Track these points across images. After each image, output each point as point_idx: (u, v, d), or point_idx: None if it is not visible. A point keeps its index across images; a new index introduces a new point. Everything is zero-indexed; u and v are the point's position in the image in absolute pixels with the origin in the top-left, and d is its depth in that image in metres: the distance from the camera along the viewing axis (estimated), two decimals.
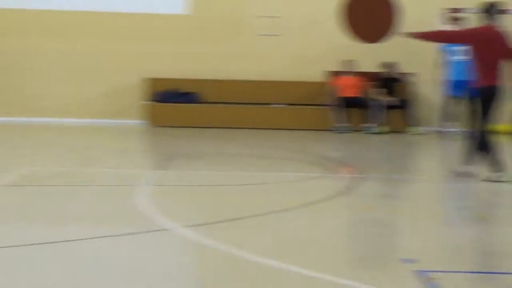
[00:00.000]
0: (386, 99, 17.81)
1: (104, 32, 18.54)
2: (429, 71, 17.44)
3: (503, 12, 10.88)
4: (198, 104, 18.29)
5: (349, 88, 17.97)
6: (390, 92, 17.98)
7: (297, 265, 6.21)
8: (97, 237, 7.15)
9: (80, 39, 18.40)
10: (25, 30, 18.26)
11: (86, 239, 7.13)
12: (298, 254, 6.74)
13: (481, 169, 10.64)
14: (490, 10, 10.54)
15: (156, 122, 18.00)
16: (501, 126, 14.47)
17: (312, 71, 18.44)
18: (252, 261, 6.40)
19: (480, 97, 10.45)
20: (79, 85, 18.46)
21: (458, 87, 15.70)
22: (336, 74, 18.22)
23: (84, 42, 18.43)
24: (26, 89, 18.34)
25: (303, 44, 18.69)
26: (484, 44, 10.42)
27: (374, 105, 17.74)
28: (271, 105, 18.25)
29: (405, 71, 18.09)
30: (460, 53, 14.74)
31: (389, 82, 18.02)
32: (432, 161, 14.30)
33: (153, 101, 18.21)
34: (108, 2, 18.47)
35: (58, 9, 18.26)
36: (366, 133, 17.46)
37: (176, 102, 18.12)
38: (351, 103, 17.83)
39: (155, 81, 18.40)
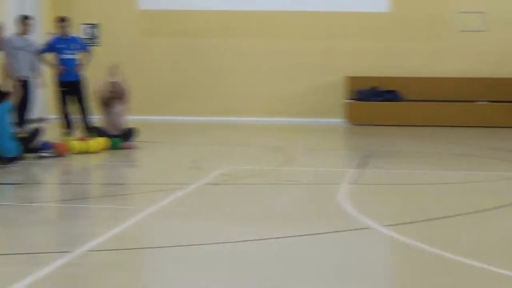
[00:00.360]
0: None
1: (306, 31, 18.58)
2: None
3: None
4: (398, 102, 17.97)
5: None
6: None
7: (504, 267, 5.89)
8: (299, 235, 7.09)
9: (282, 39, 18.52)
10: (229, 30, 18.57)
11: (287, 237, 7.08)
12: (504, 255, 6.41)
13: None
14: None
15: (355, 120, 17.84)
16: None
17: None
18: (458, 261, 6.15)
19: None
20: (280, 85, 18.59)
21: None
22: None
23: (286, 41, 18.54)
24: (228, 89, 18.65)
25: (510, 39, 17.96)
26: None
27: None
28: (476, 102, 17.64)
29: None
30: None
31: None
32: None
33: (353, 99, 18.06)
34: (312, 1, 18.48)
35: (262, 10, 18.44)
36: None
37: (377, 100, 17.89)
38: None
39: (355, 79, 18.24)
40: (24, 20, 13.87)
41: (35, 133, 11.89)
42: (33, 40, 14.13)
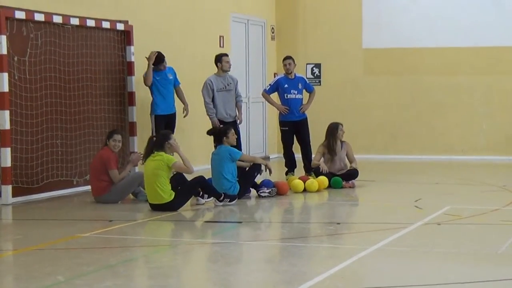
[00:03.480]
0: None
1: None
2: None
3: None
4: None
5: None
6: None
7: None
8: None
9: (508, 75, 17.91)
10: (452, 67, 18.19)
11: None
12: None
13: None
14: None
15: None
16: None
17: None
18: None
19: None
20: (505, 121, 17.94)
21: None
22: None
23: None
24: (451, 127, 18.23)
25: None
26: None
27: None
28: None
29: None
30: None
31: None
32: None
33: None
34: None
35: (488, 46, 17.92)
36: None
37: None
38: None
39: None
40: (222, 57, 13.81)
41: (254, 170, 12.09)
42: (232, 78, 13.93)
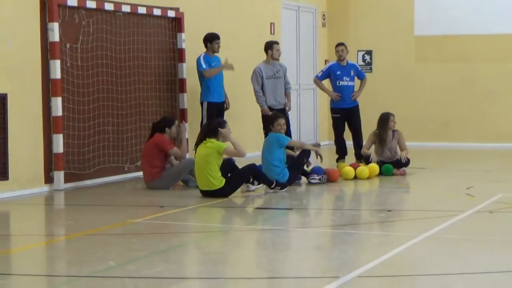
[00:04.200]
0: None
1: None
2: None
3: None
4: None
5: None
6: None
7: None
8: None
9: None
10: (505, 54, 17.94)
11: None
12: None
13: None
14: None
15: None
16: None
17: None
18: None
19: None
20: None
21: None
22: None
23: None
24: (503, 114, 17.99)
25: None
26: None
27: None
28: None
29: None
30: None
31: None
32: None
33: None
34: None
35: None
36: None
37: None
38: None
39: None
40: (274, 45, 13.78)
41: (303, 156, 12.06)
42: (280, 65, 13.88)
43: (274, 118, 11.97)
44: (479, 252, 7.50)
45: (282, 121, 11.88)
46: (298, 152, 12.11)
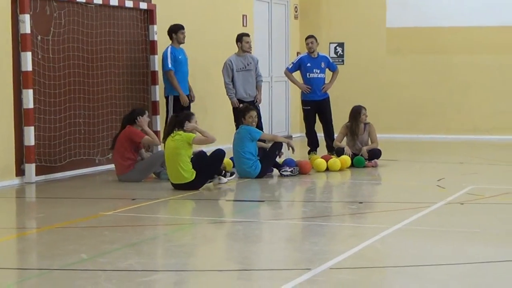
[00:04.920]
0: None
1: None
2: None
3: None
4: None
5: None
6: None
7: None
8: None
9: None
10: (476, 46, 18.06)
11: None
12: None
13: None
14: None
15: None
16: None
17: None
18: None
19: None
20: None
21: None
22: None
23: None
24: (475, 106, 18.15)
25: None
26: None
27: None
28: None
29: None
30: None
31: None
32: None
33: None
34: None
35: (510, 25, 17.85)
36: None
37: None
38: None
39: None
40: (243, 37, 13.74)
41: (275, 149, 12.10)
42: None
43: (245, 110, 12.00)
44: (449, 244, 7.56)
45: (253, 113, 11.92)
46: (270, 144, 12.13)
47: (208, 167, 11.03)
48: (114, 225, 8.64)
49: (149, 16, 13.90)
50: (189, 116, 11.12)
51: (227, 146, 12.79)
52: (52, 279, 6.47)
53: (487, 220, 8.67)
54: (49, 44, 12.00)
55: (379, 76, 18.76)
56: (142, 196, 10.44)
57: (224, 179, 11.35)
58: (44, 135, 11.93)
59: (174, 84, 13.28)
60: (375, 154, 13.22)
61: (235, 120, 13.27)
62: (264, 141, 12.24)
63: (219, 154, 11.13)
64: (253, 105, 13.22)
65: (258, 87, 13.79)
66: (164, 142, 11.05)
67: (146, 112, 12.02)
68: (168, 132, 11.02)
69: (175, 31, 13.50)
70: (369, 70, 18.81)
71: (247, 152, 11.68)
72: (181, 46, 13.59)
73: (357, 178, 12.20)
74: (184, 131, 10.90)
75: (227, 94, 13.53)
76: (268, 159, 11.94)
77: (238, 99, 13.45)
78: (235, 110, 13.33)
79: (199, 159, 11.03)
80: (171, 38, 13.51)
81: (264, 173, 11.83)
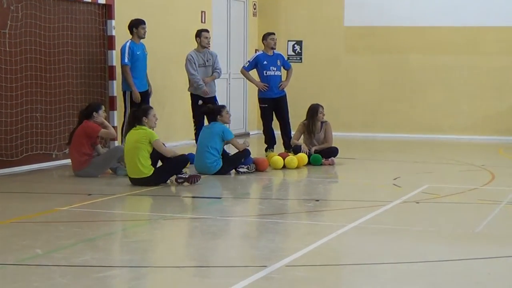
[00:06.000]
0: None
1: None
2: None
3: None
4: None
5: None
6: None
7: None
8: (504, 256, 6.85)
9: (487, 55, 17.98)
10: (433, 46, 18.23)
11: (492, 257, 6.86)
12: None
13: None
14: None
15: None
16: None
17: None
18: None
19: None
20: (485, 102, 18.04)
21: None
22: None
23: (492, 58, 17.95)
24: (431, 106, 18.32)
25: None
26: None
27: None
28: None
29: None
30: None
31: None
32: None
33: None
34: None
35: (467, 26, 17.97)
36: None
37: None
38: None
39: None
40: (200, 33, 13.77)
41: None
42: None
43: (221, 107, 12.13)
44: (405, 242, 7.62)
45: (227, 110, 12.20)
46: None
47: (170, 167, 10.95)
48: (70, 220, 8.59)
49: (107, 10, 13.81)
50: (146, 111, 11.02)
51: (184, 142, 12.79)
52: (6, 274, 6.41)
53: (442, 219, 8.76)
54: (5, 38, 11.88)
55: (336, 74, 18.86)
56: (98, 192, 10.39)
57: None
58: (1, 129, 11.81)
59: (127, 79, 13.22)
60: (332, 152, 13.29)
61: (194, 116, 13.27)
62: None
63: (185, 159, 11.12)
64: (213, 101, 13.31)
65: (212, 76, 13.73)
66: (125, 137, 10.98)
67: (102, 107, 11.96)
68: (128, 127, 10.99)
69: (136, 25, 13.44)
70: (327, 68, 18.89)
71: (213, 148, 11.72)
72: (141, 41, 13.54)
73: (314, 176, 12.25)
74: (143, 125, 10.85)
75: (197, 85, 13.42)
76: (230, 163, 11.98)
77: (197, 95, 13.44)
78: (195, 105, 13.35)
79: (159, 155, 10.96)
80: (131, 32, 13.44)
81: (222, 173, 11.84)
